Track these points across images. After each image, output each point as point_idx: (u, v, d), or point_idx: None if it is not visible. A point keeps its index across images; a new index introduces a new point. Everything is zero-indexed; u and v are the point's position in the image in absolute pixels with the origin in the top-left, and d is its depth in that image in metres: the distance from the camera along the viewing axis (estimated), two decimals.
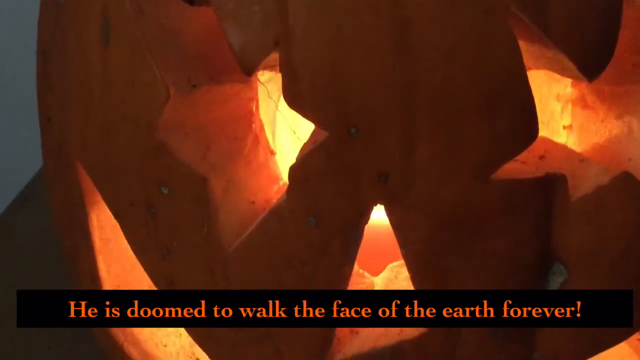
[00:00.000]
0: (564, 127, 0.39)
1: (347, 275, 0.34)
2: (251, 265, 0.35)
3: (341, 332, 0.36)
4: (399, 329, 0.36)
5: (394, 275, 0.39)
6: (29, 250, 0.69)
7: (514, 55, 0.30)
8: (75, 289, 0.44)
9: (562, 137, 0.39)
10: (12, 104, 0.87)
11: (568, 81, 0.39)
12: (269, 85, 0.40)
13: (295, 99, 0.32)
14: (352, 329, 0.36)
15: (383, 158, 0.32)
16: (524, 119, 0.31)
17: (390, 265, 0.39)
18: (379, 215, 0.34)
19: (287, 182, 0.33)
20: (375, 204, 0.33)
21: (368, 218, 0.33)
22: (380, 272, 0.39)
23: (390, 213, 0.33)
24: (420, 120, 0.31)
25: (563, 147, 0.37)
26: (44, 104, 0.41)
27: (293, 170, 0.33)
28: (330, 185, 0.32)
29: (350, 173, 0.32)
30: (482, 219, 0.32)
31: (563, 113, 0.40)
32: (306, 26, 0.31)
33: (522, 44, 0.32)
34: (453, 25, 0.30)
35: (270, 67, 0.34)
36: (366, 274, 0.39)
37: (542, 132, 0.40)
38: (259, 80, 0.38)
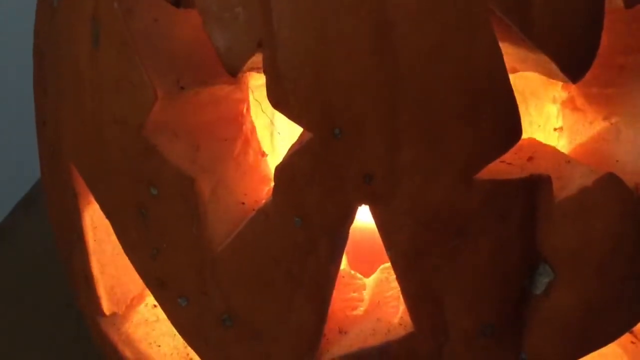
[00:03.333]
0: (555, 129, 0.40)
1: (333, 275, 0.34)
2: (239, 264, 0.35)
3: (330, 331, 0.36)
4: (387, 328, 0.36)
5: (385, 277, 0.39)
6: (33, 253, 0.69)
7: (495, 57, 0.31)
8: (71, 289, 0.45)
9: (554, 139, 0.39)
10: (15, 107, 0.88)
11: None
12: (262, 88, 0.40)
13: (280, 100, 0.32)
14: (340, 328, 0.37)
15: (367, 159, 0.32)
16: (506, 120, 0.31)
17: (381, 267, 0.39)
18: (369, 217, 0.34)
19: None
20: (360, 205, 0.33)
21: (353, 219, 0.33)
22: (372, 273, 0.39)
23: (375, 214, 0.33)
24: (404, 121, 0.31)
25: (551, 149, 0.37)
26: (40, 108, 0.42)
27: (279, 170, 0.33)
28: (315, 186, 0.32)
29: (334, 174, 0.32)
30: (467, 220, 0.32)
31: (559, 115, 0.40)
32: (290, 27, 0.31)
33: (508, 46, 0.33)
34: (434, 26, 0.30)
35: (258, 69, 0.34)
36: (358, 275, 0.39)
37: (538, 134, 0.40)
38: (248, 84, 0.38)
